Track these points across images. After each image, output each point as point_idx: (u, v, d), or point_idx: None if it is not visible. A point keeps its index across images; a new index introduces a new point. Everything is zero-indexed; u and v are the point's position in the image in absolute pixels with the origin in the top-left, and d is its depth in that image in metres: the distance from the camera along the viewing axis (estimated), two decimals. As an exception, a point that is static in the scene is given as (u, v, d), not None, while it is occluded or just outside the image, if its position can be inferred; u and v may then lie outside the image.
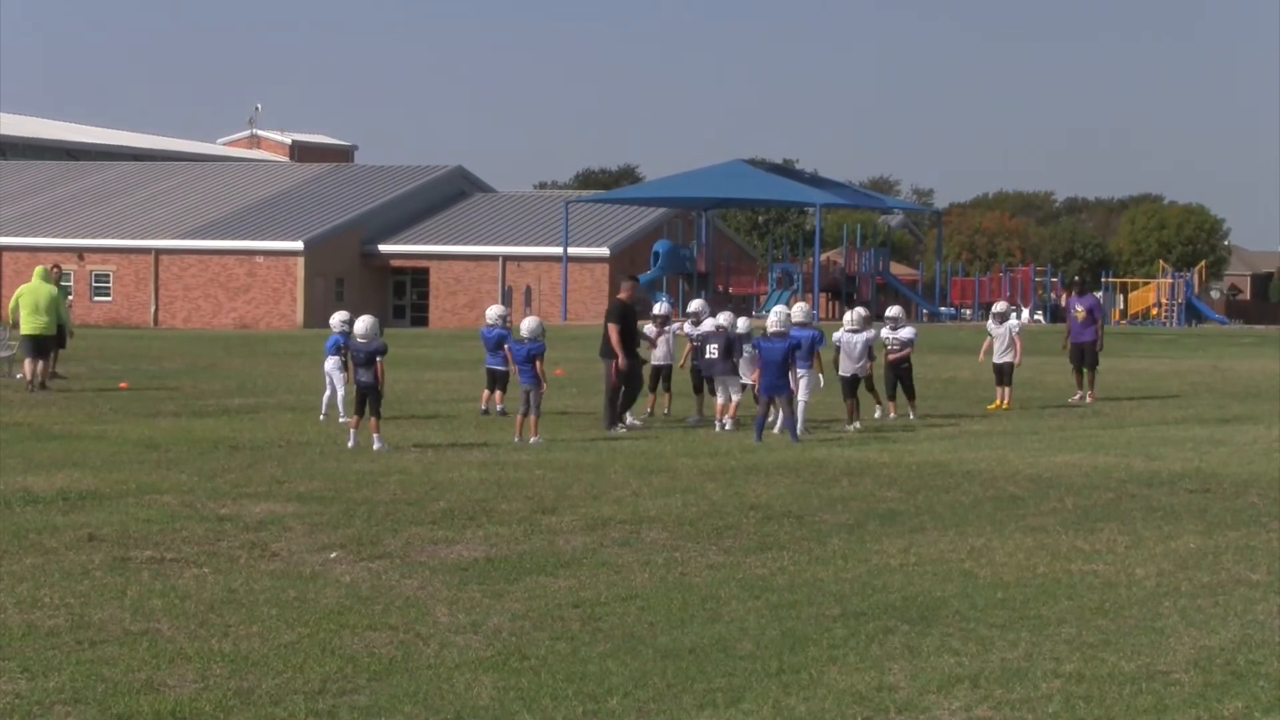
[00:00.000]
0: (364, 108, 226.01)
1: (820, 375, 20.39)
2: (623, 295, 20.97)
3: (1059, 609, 9.37)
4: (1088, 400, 25.04)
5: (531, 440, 18.38)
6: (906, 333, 22.08)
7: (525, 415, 18.73)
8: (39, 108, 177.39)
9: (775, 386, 18.63)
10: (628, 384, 20.29)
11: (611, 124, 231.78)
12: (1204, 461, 16.24)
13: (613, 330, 20.27)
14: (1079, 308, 26.26)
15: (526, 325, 19.23)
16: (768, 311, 22.95)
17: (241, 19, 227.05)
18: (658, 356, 22.15)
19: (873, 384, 21.93)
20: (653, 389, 22.20)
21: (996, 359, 23.87)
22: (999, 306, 24.85)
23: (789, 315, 19.30)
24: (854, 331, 21.06)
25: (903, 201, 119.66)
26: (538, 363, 18.80)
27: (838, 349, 21.11)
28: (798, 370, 19.21)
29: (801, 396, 19.46)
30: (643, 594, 9.79)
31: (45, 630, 8.77)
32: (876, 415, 21.76)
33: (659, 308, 22.68)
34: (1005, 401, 23.49)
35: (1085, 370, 25.50)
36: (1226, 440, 18.70)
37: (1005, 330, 23.94)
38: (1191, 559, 10.90)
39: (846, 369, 20.86)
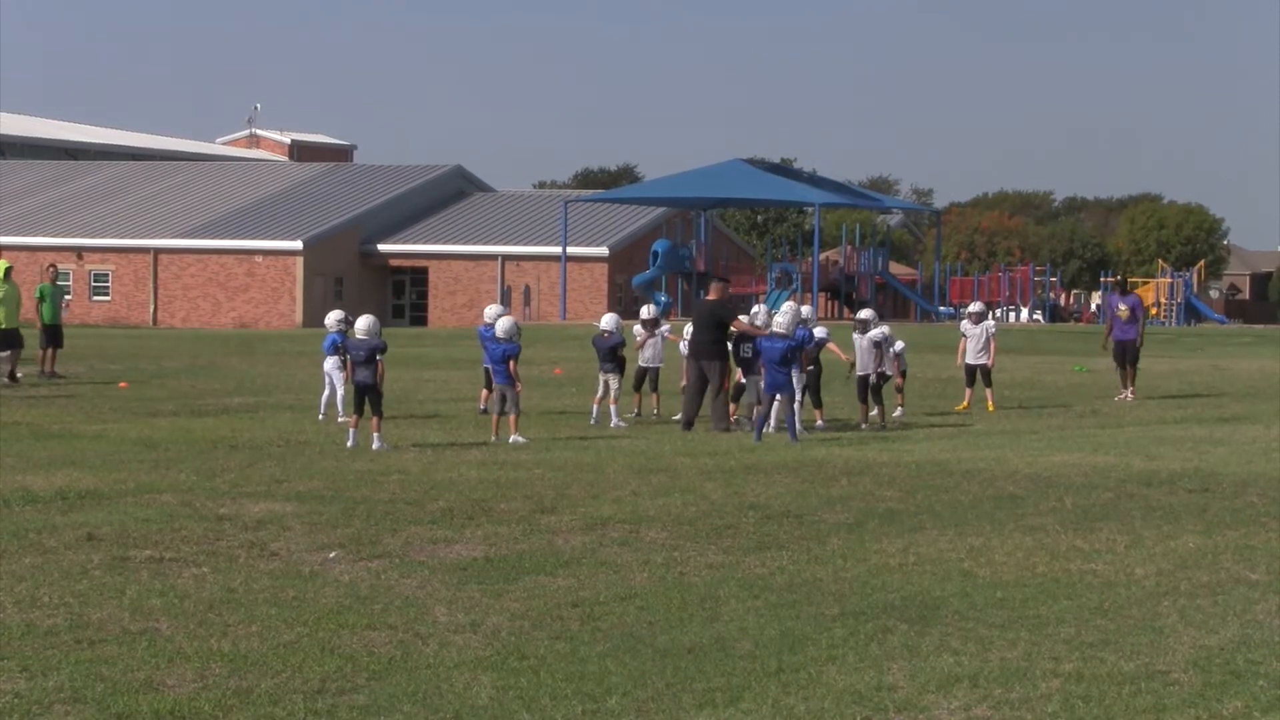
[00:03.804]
0: (363, 107, 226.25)
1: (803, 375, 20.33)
2: (715, 295, 20.81)
3: (1058, 608, 9.35)
4: (1129, 397, 25.19)
5: (511, 439, 18.34)
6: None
7: (502, 414, 18.70)
8: (38, 107, 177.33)
9: (778, 385, 18.62)
10: (720, 383, 20.11)
11: (610, 124, 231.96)
12: (1203, 461, 16.19)
13: (740, 324, 19.95)
14: (1122, 306, 26.55)
15: (501, 326, 19.11)
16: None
17: (240, 18, 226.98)
18: (645, 359, 22.14)
19: (893, 388, 22.04)
20: (637, 389, 22.22)
21: (970, 360, 23.79)
22: (974, 307, 24.82)
23: (791, 318, 19.25)
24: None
25: (902, 201, 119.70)
26: (512, 363, 18.72)
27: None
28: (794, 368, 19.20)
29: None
30: (642, 593, 9.76)
31: (44, 629, 8.75)
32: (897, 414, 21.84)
33: (647, 311, 22.61)
34: (989, 403, 23.37)
35: (1129, 367, 25.74)
36: (1226, 440, 18.65)
37: (981, 330, 23.86)
38: (1191, 558, 10.87)
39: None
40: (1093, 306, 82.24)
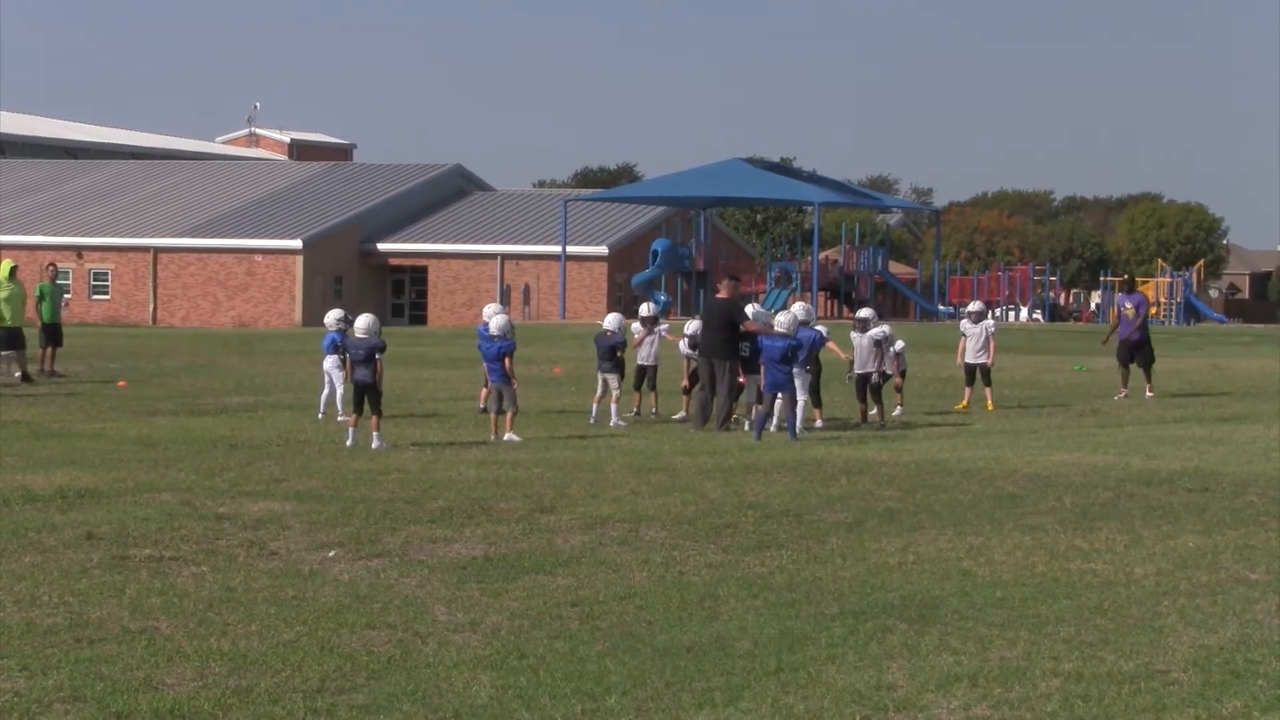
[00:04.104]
0: (363, 106, 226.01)
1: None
2: (727, 293, 20.63)
3: (1057, 608, 9.34)
4: (1147, 395, 25.24)
5: (506, 437, 18.31)
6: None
7: (500, 413, 18.67)
8: (38, 106, 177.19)
9: (778, 384, 18.61)
10: (729, 382, 20.01)
11: (610, 123, 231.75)
12: (1203, 460, 16.17)
13: (749, 325, 19.84)
14: (1128, 305, 26.54)
15: (496, 324, 19.09)
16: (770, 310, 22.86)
17: (240, 17, 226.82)
18: (643, 357, 22.14)
19: (892, 387, 22.02)
20: (637, 388, 22.21)
21: (970, 359, 23.77)
22: (974, 306, 24.80)
23: (796, 318, 19.24)
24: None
25: (901, 200, 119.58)
26: (507, 361, 18.70)
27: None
28: (798, 368, 19.19)
29: (800, 396, 19.51)
30: (641, 593, 9.75)
31: (44, 628, 8.74)
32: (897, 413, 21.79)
33: (646, 309, 22.58)
34: (988, 402, 23.36)
35: (1140, 368, 25.79)
36: (1225, 439, 18.63)
37: (980, 330, 23.83)
38: (1190, 558, 10.86)
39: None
40: (1092, 306, 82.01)
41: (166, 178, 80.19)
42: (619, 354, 21.22)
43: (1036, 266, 79.90)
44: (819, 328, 21.00)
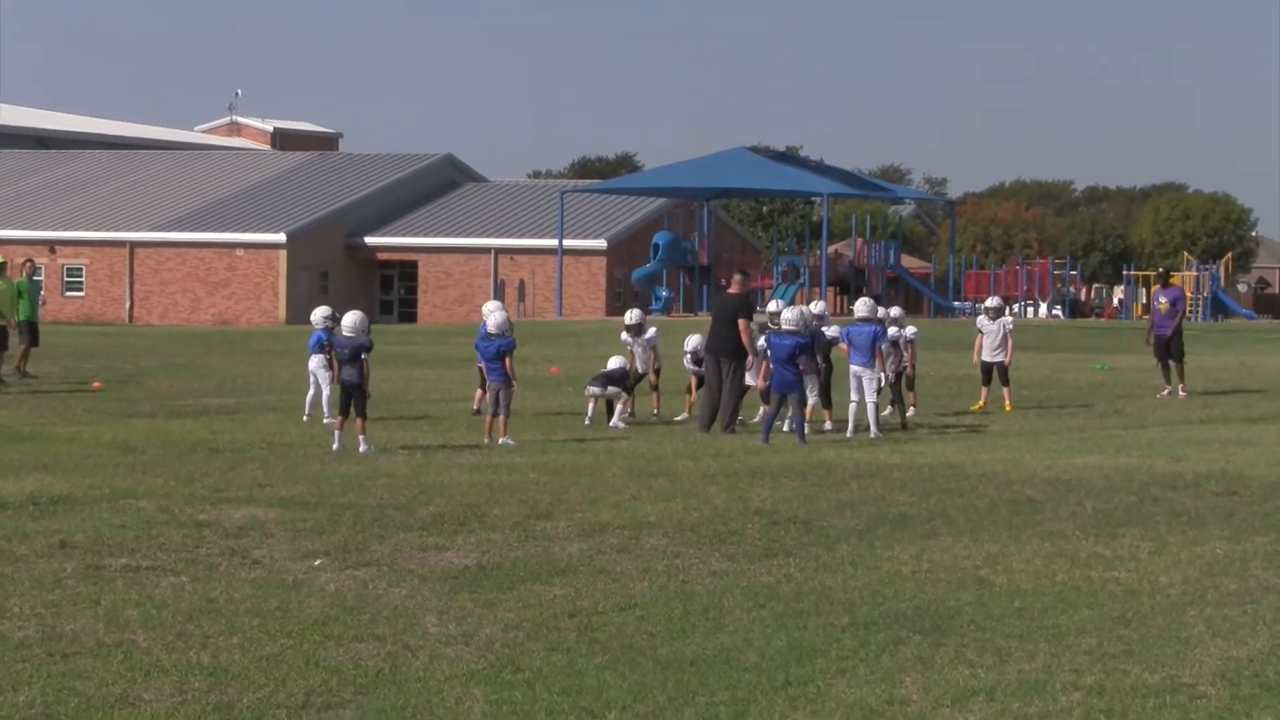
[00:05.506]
0: (349, 94, 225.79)
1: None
2: (738, 289, 20.34)
3: (1079, 618, 9.25)
4: (1180, 394, 25.21)
5: (500, 441, 18.06)
6: None
7: (495, 415, 18.41)
8: (8, 94, 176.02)
9: (786, 384, 18.40)
10: (736, 382, 19.74)
11: (608, 110, 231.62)
12: (1230, 463, 16.09)
13: (745, 327, 19.65)
14: (1163, 300, 26.57)
15: (493, 321, 18.86)
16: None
17: (221, 1, 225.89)
18: (639, 364, 21.94)
19: (909, 382, 21.83)
20: (631, 389, 22.00)
21: (987, 357, 23.58)
22: (992, 302, 24.72)
23: (804, 314, 19.03)
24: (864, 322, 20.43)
25: (914, 191, 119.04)
26: (507, 360, 18.45)
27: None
28: (862, 368, 19.21)
29: (869, 398, 19.32)
30: (642, 603, 9.65)
31: (15, 642, 8.63)
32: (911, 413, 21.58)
33: (629, 317, 22.28)
34: (1006, 402, 23.13)
35: (1173, 363, 25.74)
36: (1254, 440, 18.55)
37: (998, 327, 23.62)
38: (1218, 565, 10.79)
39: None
40: (1115, 301, 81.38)
41: (143, 169, 79.74)
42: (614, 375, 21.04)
43: (1056, 260, 79.10)
44: (830, 329, 20.74)
